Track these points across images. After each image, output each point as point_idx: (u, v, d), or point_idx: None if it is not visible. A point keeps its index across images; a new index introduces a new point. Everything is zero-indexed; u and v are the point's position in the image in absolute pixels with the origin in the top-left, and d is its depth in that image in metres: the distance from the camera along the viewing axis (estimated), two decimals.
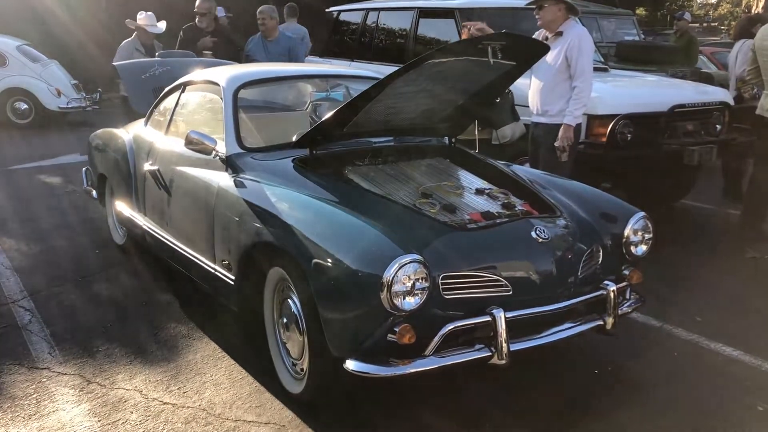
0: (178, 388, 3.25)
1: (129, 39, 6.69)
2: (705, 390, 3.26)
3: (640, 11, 26.84)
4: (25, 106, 12.09)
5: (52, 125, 12.09)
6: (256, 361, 3.43)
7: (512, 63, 3.26)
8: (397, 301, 2.53)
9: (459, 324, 2.66)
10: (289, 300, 3.07)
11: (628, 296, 3.27)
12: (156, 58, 5.96)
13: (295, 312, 2.99)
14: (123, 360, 3.54)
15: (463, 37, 4.99)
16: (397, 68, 2.99)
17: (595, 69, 5.25)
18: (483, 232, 2.92)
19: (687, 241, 5.61)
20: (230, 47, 7.22)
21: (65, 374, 3.38)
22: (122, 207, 4.75)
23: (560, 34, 4.83)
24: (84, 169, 5.77)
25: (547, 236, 2.93)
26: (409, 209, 3.06)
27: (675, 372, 3.46)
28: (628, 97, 5.72)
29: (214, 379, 3.34)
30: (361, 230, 2.77)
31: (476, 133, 4.46)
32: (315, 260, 2.74)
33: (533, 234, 2.92)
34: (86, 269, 4.86)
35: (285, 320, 3.10)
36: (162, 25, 7.37)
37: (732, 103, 6.21)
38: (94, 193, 5.49)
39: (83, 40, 13.88)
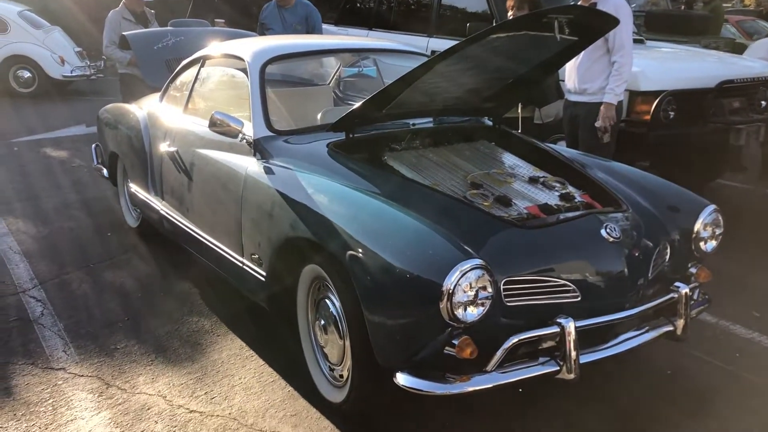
0: (205, 393, 3.00)
1: (115, 9, 6.24)
2: None
3: None
4: (28, 74, 11.70)
5: (56, 94, 11.71)
6: (288, 361, 3.17)
7: (575, 38, 2.92)
8: (458, 312, 2.25)
9: (524, 336, 2.38)
10: (326, 300, 2.80)
11: (696, 297, 2.98)
12: (168, 28, 5.59)
13: (335, 313, 2.72)
14: (143, 359, 3.28)
15: (510, 9, 4.60)
16: (452, 45, 2.66)
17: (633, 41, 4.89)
18: (547, 230, 2.63)
19: (728, 225, 5.29)
20: (245, 15, 6.86)
21: (82, 376, 3.13)
22: (137, 189, 4.46)
23: (594, 5, 4.47)
24: (94, 145, 5.46)
25: (618, 235, 2.64)
26: (460, 202, 2.76)
27: (739, 376, 3.20)
28: (673, 71, 5.36)
29: (244, 382, 3.09)
30: (414, 229, 2.47)
31: (519, 111, 4.13)
32: (360, 260, 2.46)
33: (603, 232, 2.63)
34: (98, 254, 4.58)
35: (323, 322, 2.83)
36: None
37: None
38: (105, 171, 5.19)
39: (85, 6, 13.41)
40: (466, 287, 2.25)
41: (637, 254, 2.70)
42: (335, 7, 8.44)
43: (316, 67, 4.79)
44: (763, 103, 5.70)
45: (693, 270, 3.00)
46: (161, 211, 4.10)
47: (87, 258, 4.51)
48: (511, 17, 4.50)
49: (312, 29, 6.74)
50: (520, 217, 2.75)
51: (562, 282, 2.50)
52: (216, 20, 6.63)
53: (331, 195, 2.80)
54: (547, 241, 2.58)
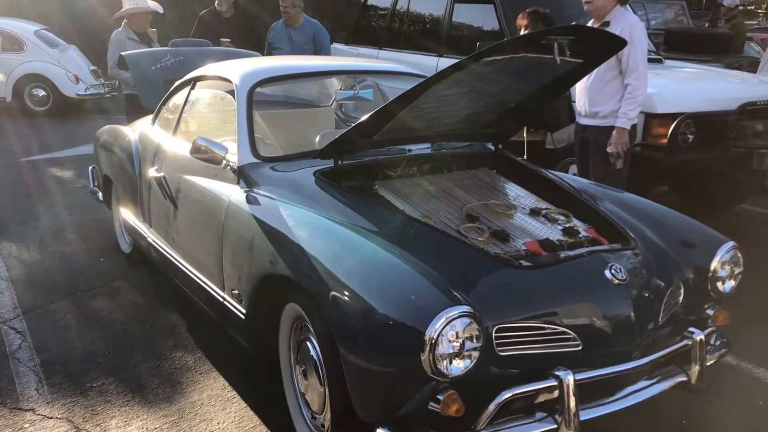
0: None
1: (118, 29, 6.12)
2: None
3: None
4: (43, 92, 11.71)
5: (71, 112, 11.71)
6: (270, 405, 2.96)
7: (578, 61, 2.70)
8: (442, 365, 2.03)
9: (518, 391, 2.14)
10: (307, 342, 2.58)
11: (714, 341, 2.72)
12: (168, 48, 5.46)
13: (315, 358, 2.50)
14: (119, 399, 3.08)
15: (521, 28, 4.39)
16: (444, 68, 2.46)
17: (649, 60, 4.64)
18: (545, 270, 2.40)
19: (752, 255, 5.00)
20: (251, 35, 6.71)
21: (51, 418, 2.94)
22: (127, 215, 4.29)
23: (607, 24, 4.24)
24: (90, 167, 5.33)
25: (624, 277, 2.39)
26: (452, 238, 2.54)
27: (761, 428, 2.92)
28: (691, 93, 5.10)
29: (222, 427, 2.87)
30: (397, 269, 2.26)
31: (525, 135, 3.90)
32: (338, 301, 2.24)
33: (608, 273, 2.39)
34: (88, 281, 4.41)
35: (303, 366, 2.61)
36: (154, 5, 6.71)
37: None
38: (100, 195, 5.04)
39: (102, 25, 13.45)
40: (452, 337, 2.03)
41: (646, 296, 2.46)
42: (346, 26, 8.31)
43: (320, 88, 4.62)
44: None
45: (710, 312, 2.75)
46: (149, 239, 3.93)
47: (75, 285, 4.34)
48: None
49: (320, 49, 6.60)
50: (517, 254, 2.53)
51: (561, 329, 2.26)
52: (222, 40, 6.48)
53: (313, 229, 2.60)
54: (545, 282, 2.34)
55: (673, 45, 7.89)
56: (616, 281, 2.37)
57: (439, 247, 2.44)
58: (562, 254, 2.52)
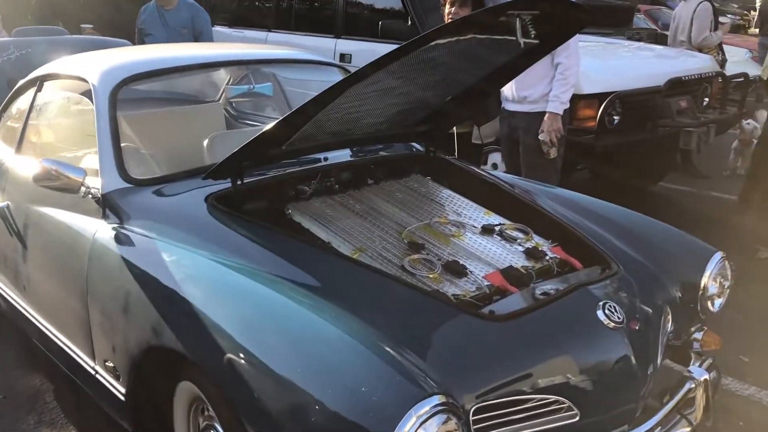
0: None
1: None
2: None
3: None
4: None
5: None
6: None
7: (535, 42, 2.15)
8: None
9: None
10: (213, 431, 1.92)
11: (713, 376, 2.28)
12: (10, 38, 4.51)
13: None
14: None
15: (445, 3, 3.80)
16: (376, 60, 1.83)
17: None
18: (525, 320, 1.84)
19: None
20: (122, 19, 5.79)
21: None
22: None
23: None
24: None
25: (620, 318, 1.88)
26: (399, 282, 1.94)
27: None
28: (618, 70, 4.74)
29: None
30: (336, 344, 1.63)
31: (454, 128, 3.35)
32: (253, 390, 1.61)
33: (601, 315, 1.87)
34: None
35: None
36: None
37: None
38: None
39: None
40: None
41: (642, 334, 1.97)
42: (227, 7, 7.48)
43: (204, 78, 3.86)
44: (706, 100, 5.22)
45: (697, 336, 2.33)
46: None
47: None
48: (448, 15, 3.72)
49: (200, 34, 5.76)
50: (480, 293, 1.97)
51: (553, 398, 1.73)
52: (82, 26, 5.54)
53: (209, 282, 1.93)
54: (526, 337, 1.79)
55: None
56: (612, 324, 1.86)
57: (383, 298, 1.84)
58: (537, 290, 1.98)
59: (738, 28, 14.03)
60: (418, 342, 1.68)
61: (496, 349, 1.74)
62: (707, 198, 5.80)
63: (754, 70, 7.65)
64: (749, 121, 5.75)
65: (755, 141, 5.41)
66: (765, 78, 5.50)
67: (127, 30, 5.84)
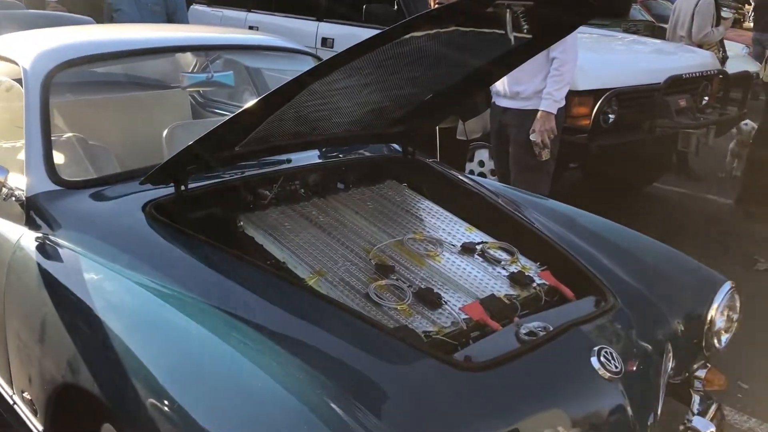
0: None
1: None
2: None
3: None
4: None
5: None
6: None
7: (528, 36, 1.85)
8: None
9: None
10: None
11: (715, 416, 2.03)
12: None
13: None
14: None
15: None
16: (347, 49, 1.53)
17: None
18: (507, 370, 1.55)
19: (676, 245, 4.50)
20: None
21: None
22: None
23: None
24: None
25: (617, 366, 1.60)
26: (359, 317, 1.65)
27: None
28: (616, 65, 4.44)
29: None
30: (269, 398, 1.35)
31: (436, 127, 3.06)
32: None
33: (595, 362, 1.59)
34: None
35: None
36: None
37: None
38: None
39: None
40: None
41: (641, 378, 1.71)
42: None
43: (165, 65, 3.53)
44: (706, 99, 4.95)
45: (699, 374, 2.07)
46: None
47: None
48: (434, 1, 3.41)
49: (173, 13, 5.39)
50: (456, 329, 1.69)
51: None
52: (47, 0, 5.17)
53: (133, 313, 1.62)
54: (506, 390, 1.51)
55: None
56: (608, 375, 1.58)
57: (339, 339, 1.54)
58: (522, 328, 1.69)
59: (734, 23, 13.80)
60: (375, 396, 1.40)
61: (470, 405, 1.46)
62: (702, 201, 5.55)
63: (751, 67, 7.40)
64: (747, 122, 5.50)
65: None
66: (765, 80, 5.25)
67: (101, 7, 5.48)
